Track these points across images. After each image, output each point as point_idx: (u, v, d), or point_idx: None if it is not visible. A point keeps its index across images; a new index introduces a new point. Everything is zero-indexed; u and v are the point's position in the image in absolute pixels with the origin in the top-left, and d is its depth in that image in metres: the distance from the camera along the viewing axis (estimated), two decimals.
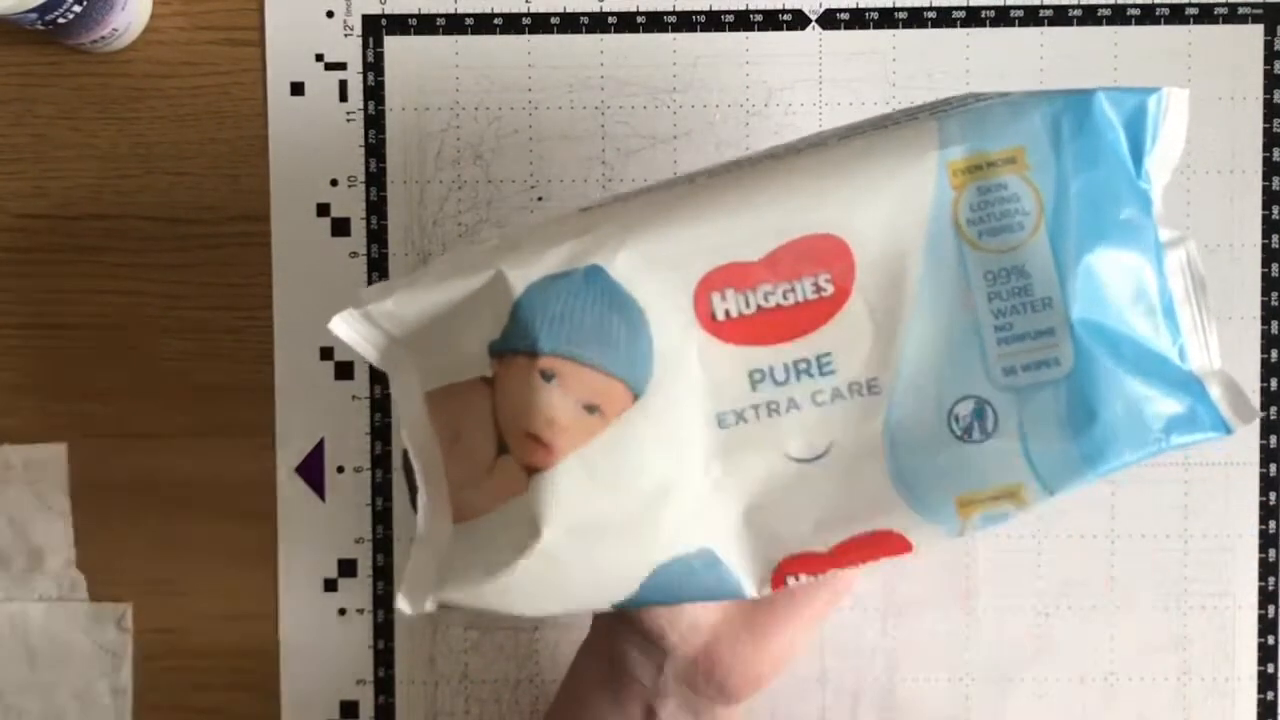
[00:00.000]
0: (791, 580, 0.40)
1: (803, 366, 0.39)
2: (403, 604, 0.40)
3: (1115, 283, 0.39)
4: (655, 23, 0.57)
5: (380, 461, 0.58)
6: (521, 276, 0.39)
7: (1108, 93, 0.39)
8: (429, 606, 0.40)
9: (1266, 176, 0.57)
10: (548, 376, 0.38)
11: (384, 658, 0.58)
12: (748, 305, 0.39)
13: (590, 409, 0.38)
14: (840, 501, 0.39)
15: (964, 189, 0.38)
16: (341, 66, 0.58)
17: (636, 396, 0.39)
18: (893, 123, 0.40)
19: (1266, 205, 0.57)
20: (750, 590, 0.40)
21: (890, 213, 0.38)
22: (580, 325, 0.38)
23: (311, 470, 0.58)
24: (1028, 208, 0.38)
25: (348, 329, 0.41)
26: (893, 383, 0.39)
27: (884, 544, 0.39)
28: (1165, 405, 0.39)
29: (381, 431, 0.58)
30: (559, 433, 0.38)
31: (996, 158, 0.38)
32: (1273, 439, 0.57)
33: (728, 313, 0.39)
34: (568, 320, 0.38)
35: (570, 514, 0.38)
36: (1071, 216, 0.38)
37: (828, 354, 0.39)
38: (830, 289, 0.39)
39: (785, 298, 0.39)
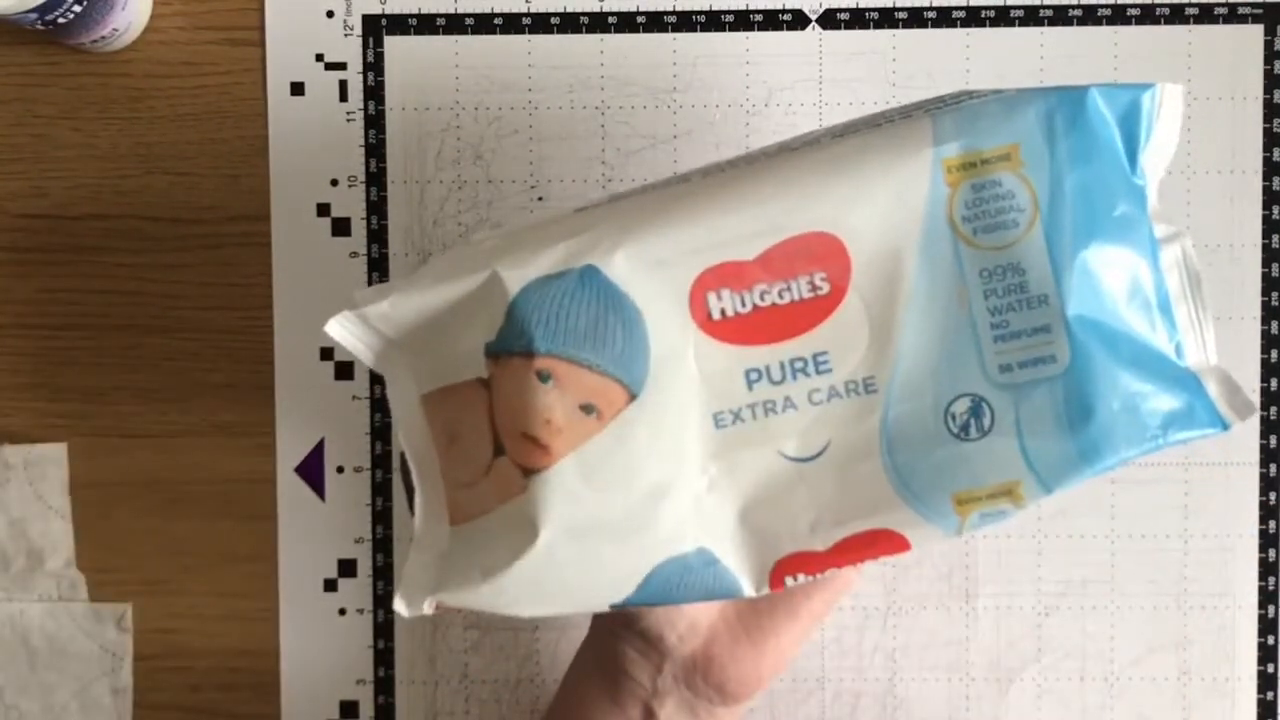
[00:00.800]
0: (790, 580, 0.40)
1: (799, 365, 0.39)
2: (400, 606, 0.40)
3: (1111, 279, 0.39)
4: (655, 23, 0.57)
5: (380, 461, 0.58)
6: (517, 277, 0.39)
7: (1101, 89, 0.39)
8: (427, 609, 0.40)
9: (1266, 176, 0.57)
10: (544, 377, 0.38)
11: (384, 658, 0.58)
12: (743, 304, 0.39)
13: (587, 409, 0.38)
14: (837, 500, 0.39)
15: (959, 186, 0.38)
16: (341, 66, 0.58)
17: (633, 397, 0.39)
18: (887, 120, 0.40)
19: (1266, 205, 0.57)
20: (748, 590, 0.40)
21: (885, 210, 0.38)
22: (576, 326, 0.38)
23: (311, 470, 0.58)
24: (1022, 204, 0.38)
25: (343, 331, 0.40)
26: (889, 381, 0.39)
27: (882, 543, 0.40)
28: (1162, 401, 0.39)
29: (381, 431, 0.58)
30: (555, 434, 0.38)
31: (991, 155, 0.38)
32: (1273, 439, 0.57)
33: (724, 312, 0.39)
34: (564, 321, 0.38)
35: (567, 515, 0.38)
36: (1066, 213, 0.38)
37: (824, 353, 0.39)
38: (826, 287, 0.39)
39: (781, 297, 0.39)
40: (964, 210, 0.38)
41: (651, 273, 0.38)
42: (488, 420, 0.39)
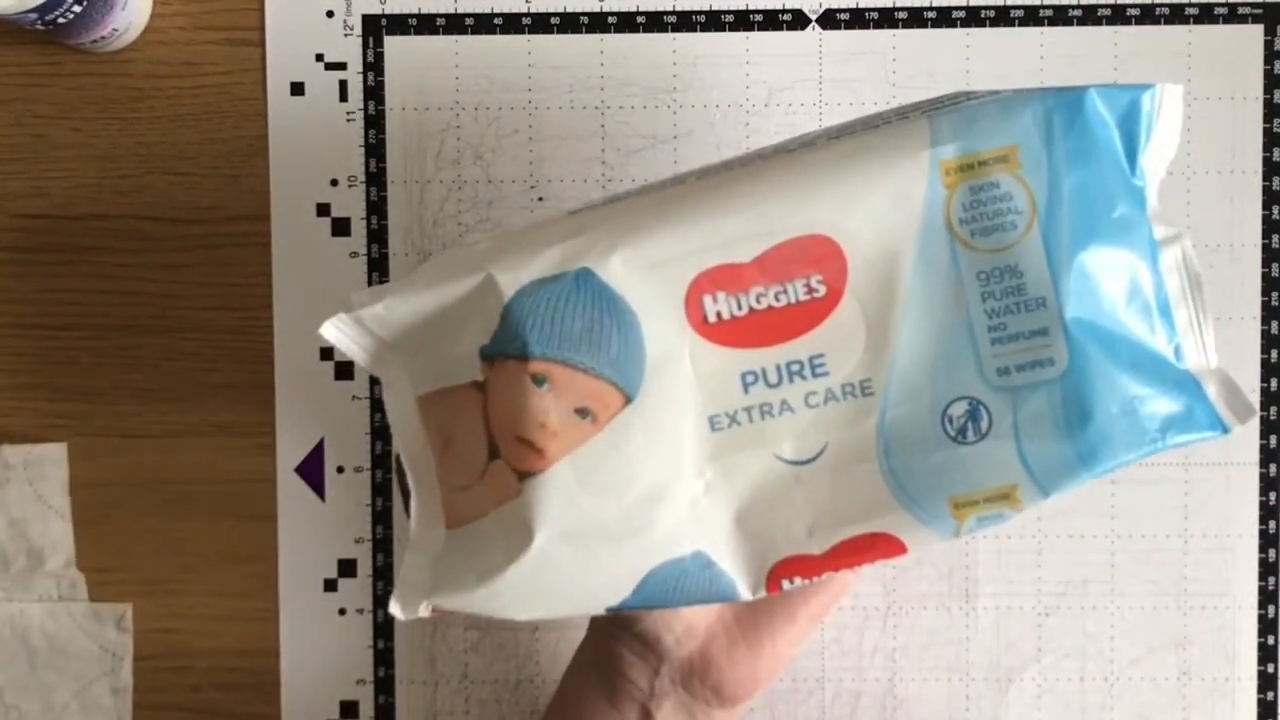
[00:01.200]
0: (786, 583, 0.40)
1: (795, 368, 0.39)
2: (396, 609, 0.40)
3: (1109, 281, 0.38)
4: (655, 23, 0.57)
5: (380, 461, 0.58)
6: (511, 280, 0.38)
7: (1100, 90, 0.39)
8: (423, 612, 0.40)
9: (1266, 176, 0.57)
10: (539, 381, 0.38)
11: (384, 658, 0.58)
12: (739, 307, 0.38)
13: (582, 413, 0.38)
14: (834, 504, 0.39)
15: (956, 188, 0.38)
16: (341, 66, 0.58)
17: (628, 400, 0.38)
18: (884, 122, 0.40)
19: (1266, 205, 0.57)
20: (744, 593, 0.40)
21: (882, 212, 0.38)
22: (571, 329, 0.38)
23: (311, 470, 0.58)
24: (1020, 207, 0.38)
25: (338, 334, 0.40)
26: (886, 384, 0.39)
27: (878, 546, 0.39)
28: (1161, 405, 0.39)
29: (381, 431, 0.58)
30: (550, 437, 0.38)
31: (988, 156, 0.38)
32: (1273, 439, 0.57)
33: (719, 315, 0.38)
34: (558, 324, 0.38)
35: (562, 518, 0.38)
36: (1065, 215, 0.38)
37: (820, 355, 0.39)
38: (822, 290, 0.38)
39: (777, 299, 0.38)
40: (961, 212, 0.38)
41: (647, 275, 0.38)
42: (483, 423, 0.39)
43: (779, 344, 0.39)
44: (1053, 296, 0.38)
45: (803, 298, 0.38)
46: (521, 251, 0.39)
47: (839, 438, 0.39)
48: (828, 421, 0.39)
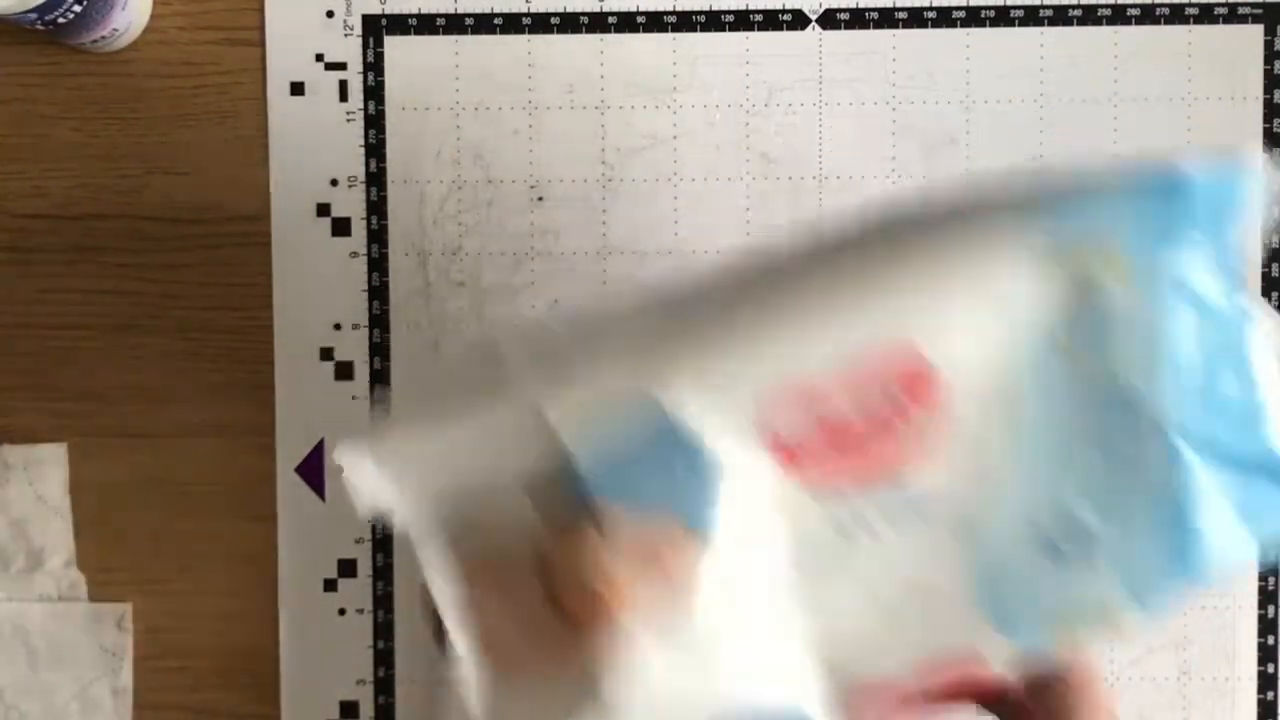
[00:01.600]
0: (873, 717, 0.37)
1: (881, 493, 0.35)
2: None
3: (1211, 380, 0.35)
4: (655, 23, 0.57)
5: None
6: (564, 416, 0.34)
7: (1201, 170, 0.35)
8: None
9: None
10: (602, 529, 0.34)
11: (384, 658, 0.58)
12: (819, 430, 0.35)
13: (651, 561, 0.34)
14: (922, 631, 0.36)
15: (1058, 294, 0.35)
16: (341, 66, 0.58)
17: (702, 543, 0.34)
18: (958, 214, 0.36)
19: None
20: None
21: (976, 323, 0.35)
22: (635, 468, 0.34)
23: (311, 470, 0.58)
24: (1128, 313, 0.35)
25: (355, 471, 0.36)
26: (980, 506, 0.35)
27: (969, 669, 0.36)
28: (1265, 502, 0.36)
29: None
30: (617, 591, 0.34)
31: (1091, 256, 0.35)
32: None
33: (798, 441, 0.35)
34: (621, 463, 0.34)
35: (634, 679, 0.34)
36: (1169, 314, 0.35)
37: (908, 478, 0.35)
38: (910, 407, 0.35)
39: (860, 420, 0.35)
40: (1062, 318, 0.35)
41: (716, 402, 0.34)
42: (539, 576, 0.35)
43: (863, 468, 0.35)
44: (1160, 407, 0.35)
45: (888, 417, 0.35)
46: (572, 379, 0.35)
47: (930, 564, 0.36)
48: (918, 547, 0.36)
